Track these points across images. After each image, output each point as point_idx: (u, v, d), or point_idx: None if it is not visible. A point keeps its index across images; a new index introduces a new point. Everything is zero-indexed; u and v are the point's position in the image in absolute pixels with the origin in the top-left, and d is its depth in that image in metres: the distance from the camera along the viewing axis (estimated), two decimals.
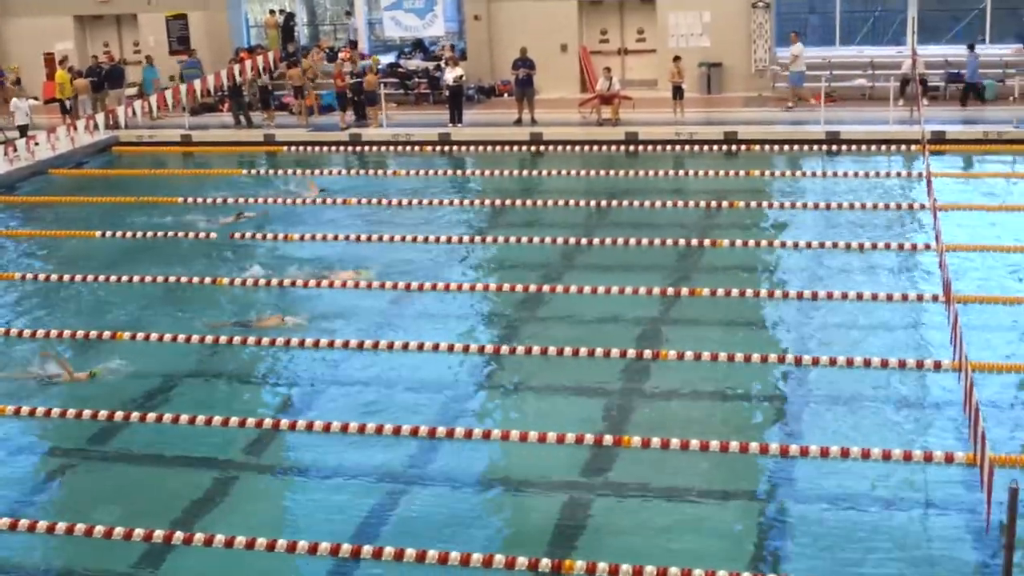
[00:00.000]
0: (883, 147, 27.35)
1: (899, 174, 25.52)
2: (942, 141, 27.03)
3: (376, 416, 14.14)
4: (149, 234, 22.68)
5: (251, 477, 13.27)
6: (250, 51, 36.26)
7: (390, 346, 16.35)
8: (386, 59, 37.89)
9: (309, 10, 43.45)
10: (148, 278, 19.78)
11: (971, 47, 30.76)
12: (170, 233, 22.67)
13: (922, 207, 21.81)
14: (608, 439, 13.30)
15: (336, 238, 21.66)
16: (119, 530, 11.68)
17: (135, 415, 14.41)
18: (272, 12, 39.21)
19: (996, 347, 15.57)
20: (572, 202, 23.83)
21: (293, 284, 19.26)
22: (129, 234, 22.82)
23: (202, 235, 22.51)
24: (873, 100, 31.58)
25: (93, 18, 39.12)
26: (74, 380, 15.68)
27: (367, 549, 11.17)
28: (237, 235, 22.50)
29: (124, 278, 19.86)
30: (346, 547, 11.20)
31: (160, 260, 21.07)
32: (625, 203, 23.50)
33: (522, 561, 10.85)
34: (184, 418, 14.17)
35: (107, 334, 17.23)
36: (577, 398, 14.83)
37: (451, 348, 16.20)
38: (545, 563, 10.83)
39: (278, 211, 24.39)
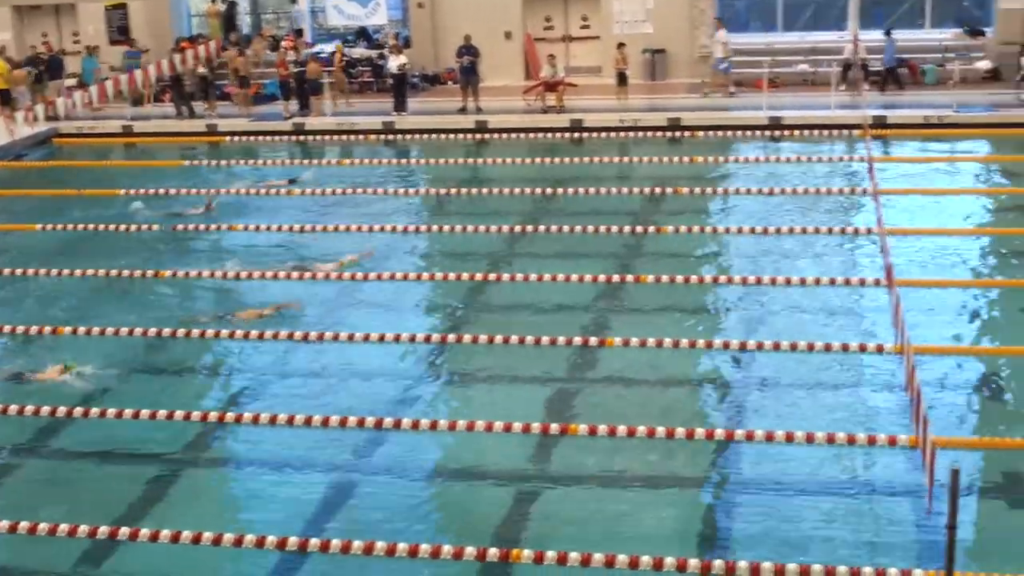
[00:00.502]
0: (825, 132, 27.57)
1: (841, 159, 25.74)
2: (883, 126, 27.29)
3: (322, 407, 14.04)
4: (91, 226, 22.41)
5: (196, 471, 13.17)
6: (191, 40, 35.94)
7: (335, 337, 16.25)
8: (329, 48, 37.68)
9: None
10: (91, 271, 19.55)
11: (887, 32, 31.04)
12: (111, 226, 22.37)
13: (864, 191, 22.00)
14: (555, 427, 13.28)
15: (280, 229, 21.52)
16: (63, 527, 11.51)
17: (78, 410, 14.24)
18: (214, 1, 38.89)
19: (938, 330, 15.72)
20: (517, 190, 23.81)
21: (237, 276, 19.14)
22: (71, 226, 22.56)
23: (144, 227, 22.26)
24: (815, 85, 31.84)
25: (31, 8, 38.61)
26: None
27: (314, 542, 11.11)
28: (180, 227, 22.31)
29: (66, 271, 19.62)
30: (293, 540, 11.12)
31: (103, 252, 20.83)
32: (570, 190, 23.52)
33: (470, 551, 10.82)
34: (128, 412, 13.99)
35: (48, 329, 17.03)
36: (523, 386, 14.85)
37: (397, 338, 16.13)
38: (493, 552, 10.81)
39: (225, 201, 24.23)
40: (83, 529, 11.46)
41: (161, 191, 24.87)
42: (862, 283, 17.47)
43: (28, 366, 15.78)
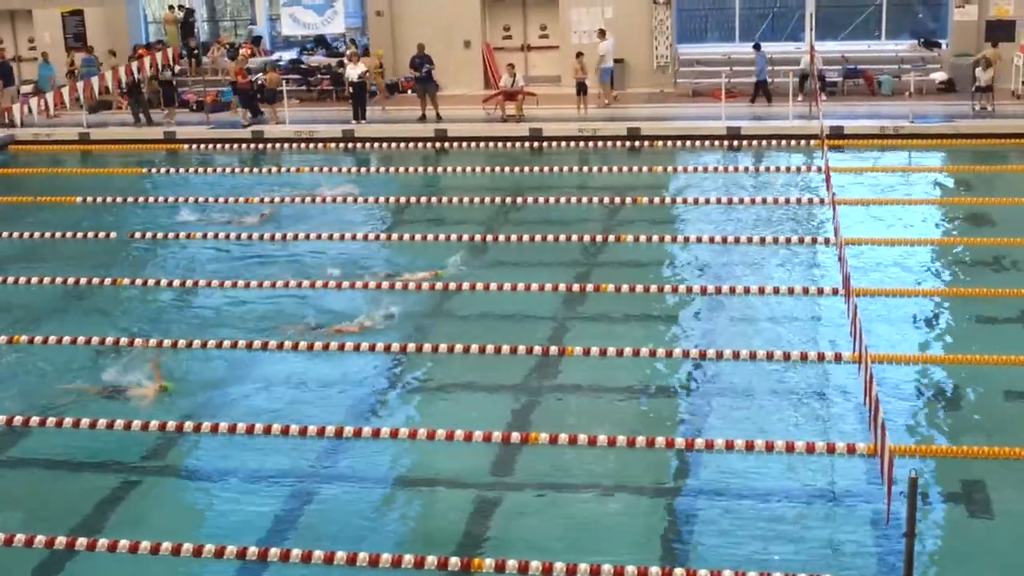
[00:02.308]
0: (783, 142, 27.72)
1: (799, 169, 25.89)
2: (840, 136, 27.44)
3: (282, 417, 14.02)
4: (48, 234, 22.22)
5: (156, 481, 13.06)
6: (148, 47, 35.74)
7: (295, 346, 16.22)
8: (288, 55, 37.59)
9: (209, 6, 42.91)
10: (47, 279, 19.40)
11: (757, 47, 31.26)
12: (69, 233, 22.20)
13: (821, 201, 22.14)
14: (516, 436, 13.32)
15: (239, 237, 21.44)
16: (20, 537, 11.45)
17: (35, 419, 14.14)
18: (171, 8, 38.67)
19: (894, 339, 15.86)
20: (477, 199, 23.80)
21: (208, 285, 19.05)
22: (27, 234, 22.37)
23: (102, 235, 22.09)
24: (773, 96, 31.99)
25: None
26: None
27: (274, 551, 11.08)
28: (138, 235, 22.18)
29: (22, 279, 19.48)
30: (253, 550, 11.09)
31: (60, 260, 20.67)
32: (530, 199, 23.54)
33: (431, 560, 10.84)
34: (85, 422, 13.93)
35: (3, 338, 16.88)
36: (484, 395, 14.85)
37: (357, 347, 16.12)
38: (454, 562, 10.83)
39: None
40: (40, 539, 11.40)
41: (119, 199, 24.72)
42: (820, 292, 17.59)
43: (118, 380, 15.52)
